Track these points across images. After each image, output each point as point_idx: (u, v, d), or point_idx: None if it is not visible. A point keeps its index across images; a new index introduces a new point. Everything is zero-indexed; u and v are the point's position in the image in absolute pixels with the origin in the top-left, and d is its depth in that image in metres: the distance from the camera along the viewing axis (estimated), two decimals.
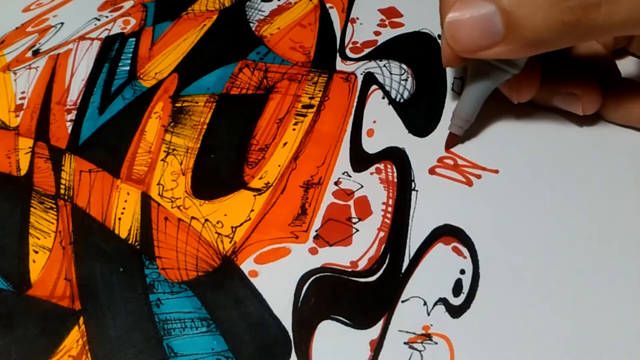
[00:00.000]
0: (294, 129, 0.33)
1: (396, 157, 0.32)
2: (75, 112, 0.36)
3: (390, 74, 0.36)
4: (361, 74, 0.36)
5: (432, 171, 0.31)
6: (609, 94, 0.30)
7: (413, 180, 0.31)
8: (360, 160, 0.32)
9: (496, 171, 0.31)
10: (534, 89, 0.30)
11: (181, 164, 0.32)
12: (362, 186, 0.31)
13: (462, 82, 0.35)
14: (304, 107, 0.34)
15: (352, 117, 0.34)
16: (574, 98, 0.30)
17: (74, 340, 0.26)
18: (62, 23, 0.42)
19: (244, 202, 0.30)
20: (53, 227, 0.30)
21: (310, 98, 0.35)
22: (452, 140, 0.31)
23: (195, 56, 0.38)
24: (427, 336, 0.26)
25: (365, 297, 0.27)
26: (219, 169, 0.32)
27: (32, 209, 0.31)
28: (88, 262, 0.29)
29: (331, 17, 0.40)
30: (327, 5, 0.41)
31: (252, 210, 0.30)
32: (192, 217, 0.30)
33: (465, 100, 0.30)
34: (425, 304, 0.26)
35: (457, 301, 0.26)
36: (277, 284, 0.27)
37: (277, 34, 0.39)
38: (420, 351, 0.25)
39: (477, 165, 0.31)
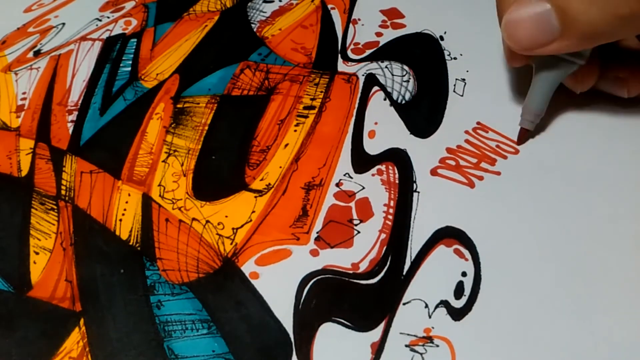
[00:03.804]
0: (295, 130, 0.33)
1: (398, 158, 0.32)
2: (76, 112, 0.36)
3: (392, 75, 0.36)
4: (363, 75, 0.36)
5: (433, 172, 0.31)
6: None
7: (414, 182, 0.30)
8: (362, 161, 0.32)
9: (498, 173, 0.31)
10: (595, 77, 0.30)
11: (182, 165, 0.32)
12: (363, 187, 0.31)
13: (464, 83, 0.35)
14: (305, 108, 0.34)
15: (353, 118, 0.34)
16: (619, 81, 0.31)
17: (75, 341, 0.26)
18: (64, 24, 0.42)
19: (245, 203, 0.30)
20: (54, 228, 0.30)
21: (312, 99, 0.35)
22: (524, 136, 0.32)
23: (196, 57, 0.38)
24: (429, 339, 0.25)
25: (366, 300, 0.27)
26: (220, 170, 0.32)
27: (32, 210, 0.31)
28: (89, 263, 0.29)
29: (333, 18, 0.40)
30: (329, 6, 0.41)
31: (253, 212, 0.30)
32: (193, 219, 0.30)
33: (534, 94, 0.30)
34: (426, 306, 0.26)
35: (458, 304, 0.26)
36: (278, 285, 0.27)
37: (279, 35, 0.39)
38: (421, 354, 0.25)
39: (479, 167, 0.31)
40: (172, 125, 0.34)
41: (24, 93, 0.37)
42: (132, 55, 0.39)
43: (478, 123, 0.33)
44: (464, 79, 0.35)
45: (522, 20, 0.27)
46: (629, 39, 0.32)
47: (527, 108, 0.31)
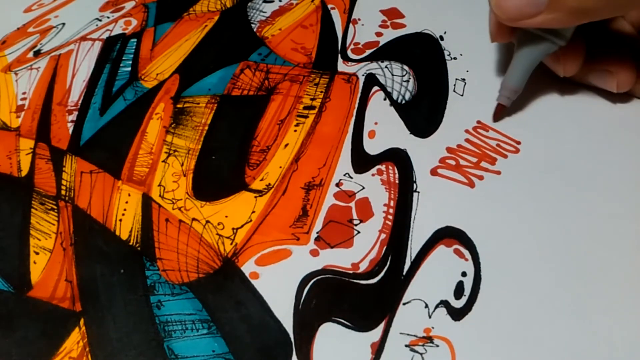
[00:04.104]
0: (295, 130, 0.33)
1: (398, 158, 0.32)
2: (76, 112, 0.36)
3: (392, 75, 0.36)
4: (363, 75, 0.36)
5: (433, 172, 0.31)
6: None
7: (414, 182, 0.30)
8: (362, 161, 0.32)
9: (498, 172, 0.31)
10: (579, 62, 0.31)
11: (182, 165, 0.32)
12: (363, 187, 0.31)
13: (464, 83, 0.35)
14: (305, 108, 0.34)
15: (353, 118, 0.34)
16: (608, 75, 0.31)
17: (75, 341, 0.26)
18: (64, 24, 0.42)
19: (245, 203, 0.30)
20: (54, 229, 0.30)
21: (312, 99, 0.35)
22: (500, 111, 0.32)
23: (196, 57, 0.38)
24: (429, 339, 0.25)
25: (366, 300, 0.27)
26: (220, 170, 0.32)
27: (32, 210, 0.31)
28: (89, 263, 0.29)
29: (333, 18, 0.40)
30: (329, 6, 0.41)
31: (253, 212, 0.30)
32: (193, 219, 0.30)
33: (513, 71, 0.31)
34: (426, 306, 0.26)
35: (458, 304, 0.26)
36: (278, 285, 0.27)
37: (279, 35, 0.39)
38: (421, 354, 0.25)
39: (479, 166, 0.31)
40: (172, 125, 0.34)
41: (24, 93, 0.37)
42: (132, 55, 0.39)
43: (478, 122, 0.33)
44: (464, 79, 0.35)
45: None
46: (620, 23, 0.32)
47: (505, 84, 0.31)
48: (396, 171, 0.31)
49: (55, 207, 0.31)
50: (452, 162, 0.31)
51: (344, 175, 0.31)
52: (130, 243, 0.29)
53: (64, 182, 0.32)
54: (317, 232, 0.29)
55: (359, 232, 0.29)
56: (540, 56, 0.30)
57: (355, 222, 0.29)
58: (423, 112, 0.34)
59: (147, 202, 0.31)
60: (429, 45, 0.37)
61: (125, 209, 0.31)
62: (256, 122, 0.34)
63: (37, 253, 0.29)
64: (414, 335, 0.26)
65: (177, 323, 0.27)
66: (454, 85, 0.35)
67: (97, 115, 0.35)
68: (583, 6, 0.26)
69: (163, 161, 0.33)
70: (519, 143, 0.32)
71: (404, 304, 0.27)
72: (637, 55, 0.31)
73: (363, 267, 0.28)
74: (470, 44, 0.37)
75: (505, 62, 0.35)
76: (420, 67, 0.36)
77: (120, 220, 0.30)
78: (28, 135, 0.35)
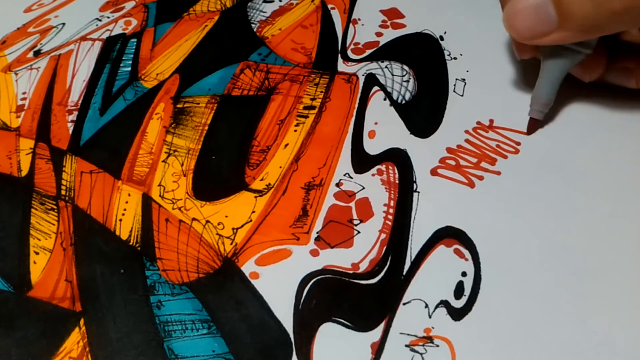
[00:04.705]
0: (295, 130, 0.33)
1: (398, 158, 0.32)
2: (76, 112, 0.36)
3: (392, 75, 0.36)
4: (363, 75, 0.36)
5: (433, 172, 0.31)
6: None
7: (414, 182, 0.30)
8: (362, 161, 0.32)
9: (498, 172, 0.31)
10: (603, 67, 0.31)
11: (182, 165, 0.32)
12: (363, 187, 0.31)
13: (464, 83, 0.35)
14: (305, 108, 0.34)
15: (353, 118, 0.34)
16: (627, 72, 0.31)
17: (75, 341, 0.26)
18: (64, 24, 0.42)
19: (245, 203, 0.30)
20: (54, 228, 0.30)
21: (312, 99, 0.35)
22: (534, 126, 0.32)
23: (196, 57, 0.38)
24: (429, 339, 0.25)
25: (366, 300, 0.27)
26: (220, 170, 0.32)
27: (32, 210, 0.31)
28: (89, 263, 0.29)
29: (333, 18, 0.40)
30: (329, 6, 0.41)
31: (253, 212, 0.30)
32: (193, 219, 0.30)
33: (542, 84, 0.31)
34: (426, 306, 0.26)
35: (458, 304, 0.26)
36: (278, 285, 0.27)
37: (279, 35, 0.39)
38: (421, 354, 0.25)
39: (479, 167, 0.31)
40: (172, 125, 0.34)
41: (24, 93, 0.37)
42: (132, 55, 0.39)
43: (478, 123, 0.33)
44: (464, 79, 0.35)
45: (522, 11, 0.28)
46: (630, 33, 0.32)
47: (536, 98, 0.31)
48: (396, 171, 0.31)
49: (55, 207, 0.31)
50: (452, 162, 0.31)
51: (344, 175, 0.31)
52: (130, 243, 0.29)
53: (64, 182, 0.32)
54: (317, 232, 0.29)
55: (359, 232, 0.29)
56: (569, 66, 0.30)
57: (355, 222, 0.29)
58: (423, 112, 0.34)
59: (147, 202, 0.31)
60: (429, 45, 0.37)
61: (125, 209, 0.31)
62: (256, 122, 0.34)
63: (37, 253, 0.29)
64: (414, 335, 0.26)
65: (177, 323, 0.27)
66: (454, 85, 0.35)
67: (97, 115, 0.35)
68: (592, 24, 0.26)
69: (163, 161, 0.33)
70: (518, 144, 0.32)
71: (404, 304, 0.26)
72: None
73: (363, 267, 0.28)
74: (470, 44, 0.37)
75: (505, 62, 0.35)
76: (420, 67, 0.36)
77: (120, 220, 0.30)
78: (28, 135, 0.35)
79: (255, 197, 0.31)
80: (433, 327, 0.26)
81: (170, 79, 0.37)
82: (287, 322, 0.26)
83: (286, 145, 0.33)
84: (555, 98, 0.31)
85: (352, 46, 0.38)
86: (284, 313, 0.26)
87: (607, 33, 0.28)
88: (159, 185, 0.32)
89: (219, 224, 0.30)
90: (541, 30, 0.27)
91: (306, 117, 0.34)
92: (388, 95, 0.35)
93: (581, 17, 0.26)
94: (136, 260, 0.29)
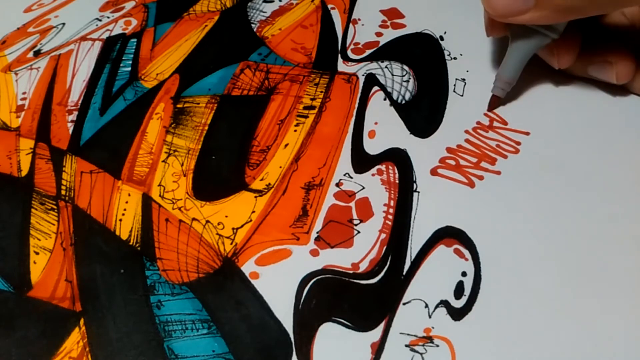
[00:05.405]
0: (295, 130, 0.33)
1: (398, 158, 0.32)
2: (76, 112, 0.36)
3: (392, 75, 0.36)
4: (363, 75, 0.36)
5: (433, 172, 0.31)
6: None
7: (414, 182, 0.30)
8: (362, 161, 0.32)
9: (498, 172, 0.31)
10: (573, 54, 0.31)
11: (182, 165, 0.32)
12: (363, 187, 0.31)
13: (464, 83, 0.35)
14: (305, 108, 0.34)
15: (353, 118, 0.34)
16: (608, 66, 0.31)
17: (75, 341, 0.26)
18: (64, 24, 0.42)
19: (245, 203, 0.30)
20: (54, 228, 0.30)
21: (312, 99, 0.35)
22: (495, 103, 0.33)
23: (196, 57, 0.38)
24: (429, 339, 0.25)
25: (366, 300, 0.27)
26: (220, 170, 0.32)
27: (32, 210, 0.31)
28: (89, 263, 0.29)
29: (333, 18, 0.40)
30: (329, 6, 0.41)
31: (253, 212, 0.30)
32: (193, 219, 0.30)
33: (507, 63, 0.32)
34: (426, 306, 0.26)
35: (458, 304, 0.26)
36: (278, 285, 0.27)
37: (279, 35, 0.39)
38: (421, 354, 0.25)
39: (479, 166, 0.31)
40: (172, 125, 0.34)
41: (24, 93, 0.37)
42: (132, 55, 0.39)
43: (478, 123, 0.33)
44: (464, 79, 0.35)
45: None
46: (616, 15, 0.32)
47: (499, 76, 0.32)
48: (396, 171, 0.31)
49: (55, 207, 0.31)
50: (452, 162, 0.31)
51: (344, 175, 0.31)
52: (130, 243, 0.29)
53: (64, 182, 0.32)
54: (317, 232, 0.29)
55: (359, 232, 0.29)
56: (534, 49, 0.31)
57: (355, 222, 0.29)
58: (423, 112, 0.34)
59: (147, 202, 0.31)
60: (429, 45, 0.37)
61: (125, 209, 0.31)
62: (256, 122, 0.34)
63: (37, 253, 0.29)
64: (414, 335, 0.26)
65: (177, 323, 0.27)
66: (454, 85, 0.35)
67: (97, 115, 0.35)
68: (569, 4, 0.26)
69: (163, 161, 0.33)
70: (518, 143, 0.32)
71: (404, 303, 0.26)
72: (635, 48, 0.31)
73: (363, 267, 0.28)
74: (470, 44, 0.37)
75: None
76: (420, 67, 0.36)
77: (120, 220, 0.30)
78: (28, 135, 0.35)
79: (255, 197, 0.31)
80: (433, 327, 0.26)
81: (170, 79, 0.37)
82: (287, 322, 0.26)
83: (286, 145, 0.33)
84: (518, 78, 0.32)
85: (352, 46, 0.38)
86: (284, 313, 0.26)
87: (584, 15, 0.27)
88: (159, 185, 0.32)
89: (219, 224, 0.30)
90: (518, 8, 0.27)
91: (306, 117, 0.34)
92: (388, 95, 0.35)
93: None
94: (136, 260, 0.29)
